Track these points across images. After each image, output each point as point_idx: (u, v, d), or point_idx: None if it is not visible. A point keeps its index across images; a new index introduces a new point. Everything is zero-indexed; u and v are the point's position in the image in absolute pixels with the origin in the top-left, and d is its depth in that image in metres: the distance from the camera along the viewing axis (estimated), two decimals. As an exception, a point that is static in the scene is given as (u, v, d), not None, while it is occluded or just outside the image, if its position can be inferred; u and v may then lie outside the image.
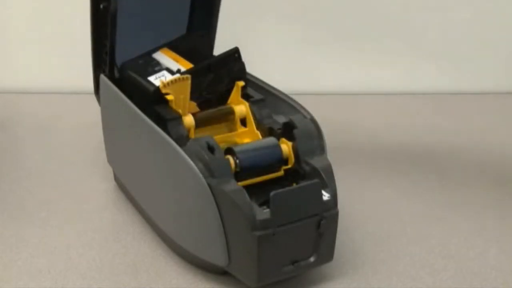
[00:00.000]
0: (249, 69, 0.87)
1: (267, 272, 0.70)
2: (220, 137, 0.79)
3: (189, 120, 0.79)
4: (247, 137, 0.82)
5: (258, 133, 0.81)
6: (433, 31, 1.29)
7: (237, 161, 0.73)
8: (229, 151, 0.74)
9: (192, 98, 0.81)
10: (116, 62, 0.87)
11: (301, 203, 0.69)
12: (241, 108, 0.82)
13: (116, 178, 0.95)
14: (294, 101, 0.84)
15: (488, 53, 1.31)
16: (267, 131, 0.80)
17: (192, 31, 0.96)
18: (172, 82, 0.79)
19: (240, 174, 0.73)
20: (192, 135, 0.79)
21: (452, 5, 1.27)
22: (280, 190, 0.68)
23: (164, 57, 0.87)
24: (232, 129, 0.83)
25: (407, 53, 1.30)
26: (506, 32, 1.30)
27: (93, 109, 0.94)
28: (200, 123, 0.81)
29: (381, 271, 0.80)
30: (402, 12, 1.28)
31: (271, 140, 0.77)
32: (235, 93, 0.83)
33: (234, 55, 0.85)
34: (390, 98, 1.28)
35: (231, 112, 0.83)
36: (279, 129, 0.78)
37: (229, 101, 0.84)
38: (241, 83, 0.83)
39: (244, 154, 0.74)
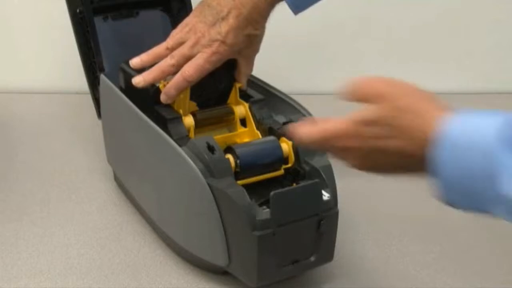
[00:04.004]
0: (249, 69, 0.87)
1: (267, 272, 0.70)
2: (220, 137, 0.79)
3: (189, 120, 0.79)
4: (247, 137, 0.82)
5: (258, 133, 0.81)
6: (432, 32, 1.30)
7: (237, 160, 0.73)
8: (229, 150, 0.74)
9: (192, 98, 0.81)
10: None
11: (301, 203, 0.69)
12: (240, 108, 0.83)
13: (116, 178, 0.95)
14: (294, 101, 0.84)
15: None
16: (267, 131, 0.80)
17: None
18: (172, 82, 0.79)
19: (240, 173, 0.73)
20: (192, 135, 0.79)
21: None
22: (280, 190, 0.68)
23: (164, 57, 0.87)
24: (232, 129, 0.83)
25: (407, 53, 1.30)
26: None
27: (93, 109, 0.94)
28: (200, 123, 0.81)
29: (381, 271, 0.80)
30: (403, 12, 1.28)
31: (271, 139, 0.77)
32: (234, 94, 0.83)
33: None
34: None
35: (231, 112, 0.83)
36: (279, 129, 0.78)
37: (228, 102, 0.84)
38: (239, 84, 0.83)
39: (244, 153, 0.74)
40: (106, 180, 0.96)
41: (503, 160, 0.46)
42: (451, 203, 0.51)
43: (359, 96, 0.55)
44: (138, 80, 0.79)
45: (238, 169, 0.73)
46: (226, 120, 0.83)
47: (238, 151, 0.74)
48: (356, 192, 0.95)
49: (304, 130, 0.58)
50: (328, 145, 0.57)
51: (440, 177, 0.50)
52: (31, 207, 0.90)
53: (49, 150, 1.05)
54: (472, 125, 0.48)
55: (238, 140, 0.82)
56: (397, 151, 0.53)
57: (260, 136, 0.80)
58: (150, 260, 0.80)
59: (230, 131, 0.83)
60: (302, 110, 0.82)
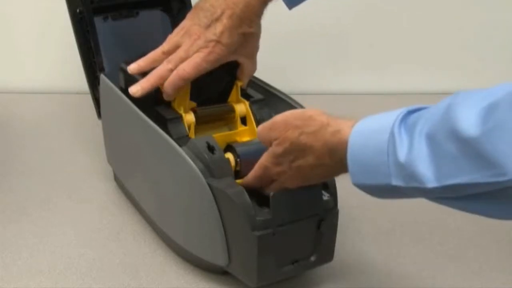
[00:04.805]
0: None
1: (267, 272, 0.70)
2: (221, 135, 0.79)
3: (189, 117, 0.79)
4: (248, 135, 0.82)
5: None
6: (432, 33, 1.30)
7: (238, 159, 0.73)
8: (229, 148, 0.74)
9: (192, 98, 0.81)
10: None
11: (301, 203, 0.69)
12: (241, 107, 0.83)
13: (116, 178, 0.95)
14: (294, 101, 0.84)
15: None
16: None
17: None
18: (172, 82, 0.79)
19: (240, 171, 0.73)
20: (192, 132, 0.79)
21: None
22: (280, 190, 0.68)
23: (164, 57, 0.87)
24: (232, 127, 0.83)
25: (406, 53, 1.31)
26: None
27: (93, 109, 0.94)
28: (200, 120, 0.80)
29: (381, 271, 0.80)
30: (402, 13, 1.28)
31: None
32: (235, 92, 0.83)
33: None
34: (390, 98, 1.28)
35: (232, 110, 0.83)
36: None
37: (229, 100, 0.85)
38: (240, 83, 0.83)
39: (245, 152, 0.74)
40: (106, 180, 0.96)
41: (400, 135, 0.55)
42: (361, 184, 0.59)
43: (266, 143, 0.68)
44: (136, 90, 0.78)
45: (238, 168, 0.73)
46: (226, 118, 0.83)
47: (238, 149, 0.74)
48: (356, 192, 0.94)
49: (245, 179, 0.71)
50: (265, 178, 0.69)
51: (352, 161, 0.58)
52: (31, 207, 0.90)
53: (49, 150, 1.05)
54: (379, 117, 0.58)
55: (238, 139, 0.82)
56: (316, 164, 0.63)
57: None
58: (150, 260, 0.80)
59: (230, 129, 0.83)
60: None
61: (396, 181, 0.56)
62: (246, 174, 0.73)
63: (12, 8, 1.22)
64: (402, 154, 0.54)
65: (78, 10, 0.89)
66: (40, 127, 1.13)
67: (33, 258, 0.80)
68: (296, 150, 0.64)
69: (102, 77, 0.86)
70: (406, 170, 0.54)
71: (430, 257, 0.83)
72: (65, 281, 0.76)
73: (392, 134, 0.55)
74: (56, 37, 1.22)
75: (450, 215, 0.91)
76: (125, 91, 0.83)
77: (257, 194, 0.73)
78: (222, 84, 0.83)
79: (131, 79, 0.83)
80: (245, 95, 0.84)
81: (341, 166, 0.60)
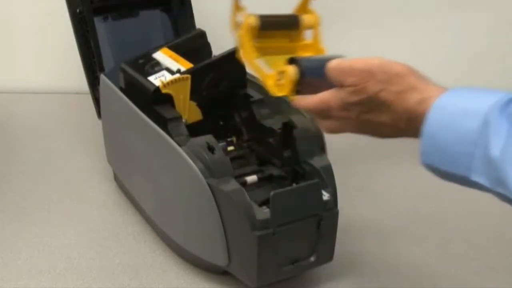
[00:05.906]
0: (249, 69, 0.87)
1: (267, 272, 0.70)
2: (281, 46, 0.73)
3: (252, 19, 0.70)
4: (311, 50, 0.74)
5: (323, 48, 0.73)
6: (433, 31, 1.30)
7: (302, 75, 0.65)
8: (293, 61, 0.66)
9: (192, 98, 0.81)
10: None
11: (301, 203, 0.69)
12: (308, 18, 0.74)
13: (116, 178, 0.95)
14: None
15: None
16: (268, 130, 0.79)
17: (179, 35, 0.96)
18: (172, 82, 0.79)
19: (300, 90, 0.66)
20: (254, 35, 0.70)
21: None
22: (280, 190, 0.68)
23: (164, 57, 0.87)
24: (295, 39, 0.75)
25: (406, 52, 1.30)
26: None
27: (93, 109, 0.94)
28: (264, 25, 0.71)
29: (381, 271, 0.80)
30: (401, 14, 1.28)
31: (339, 55, 0.65)
32: (304, 2, 0.74)
33: (233, 54, 0.84)
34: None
35: (297, 21, 0.74)
36: (279, 128, 0.78)
37: (296, 10, 0.75)
38: None
39: (309, 67, 0.65)
40: (106, 180, 0.96)
41: (499, 125, 0.47)
42: (432, 167, 0.54)
43: (335, 82, 0.60)
44: None
45: (299, 86, 0.65)
46: (291, 28, 0.74)
47: (304, 65, 0.65)
48: (356, 192, 0.95)
49: (301, 101, 0.64)
50: (323, 113, 0.62)
51: (427, 140, 0.53)
52: (31, 207, 0.90)
53: (49, 150, 1.05)
54: (470, 95, 0.51)
55: (300, 53, 0.74)
56: (389, 124, 0.58)
57: (324, 52, 0.73)
58: (150, 260, 0.80)
59: (292, 42, 0.75)
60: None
61: (477, 178, 0.49)
62: (303, 92, 0.66)
63: (12, 8, 1.22)
64: (496, 149, 0.47)
65: (78, 10, 0.89)
66: (40, 127, 1.13)
67: (33, 258, 0.80)
68: (372, 104, 0.57)
69: (102, 77, 0.86)
70: (496, 171, 0.47)
71: (430, 257, 0.83)
72: (65, 281, 0.76)
73: (486, 123, 0.48)
74: (56, 37, 1.22)
75: (450, 216, 0.91)
76: (125, 91, 0.83)
77: (257, 194, 0.73)
78: (223, 82, 0.83)
79: (131, 79, 0.83)
80: (245, 95, 0.84)
81: (415, 134, 0.54)
